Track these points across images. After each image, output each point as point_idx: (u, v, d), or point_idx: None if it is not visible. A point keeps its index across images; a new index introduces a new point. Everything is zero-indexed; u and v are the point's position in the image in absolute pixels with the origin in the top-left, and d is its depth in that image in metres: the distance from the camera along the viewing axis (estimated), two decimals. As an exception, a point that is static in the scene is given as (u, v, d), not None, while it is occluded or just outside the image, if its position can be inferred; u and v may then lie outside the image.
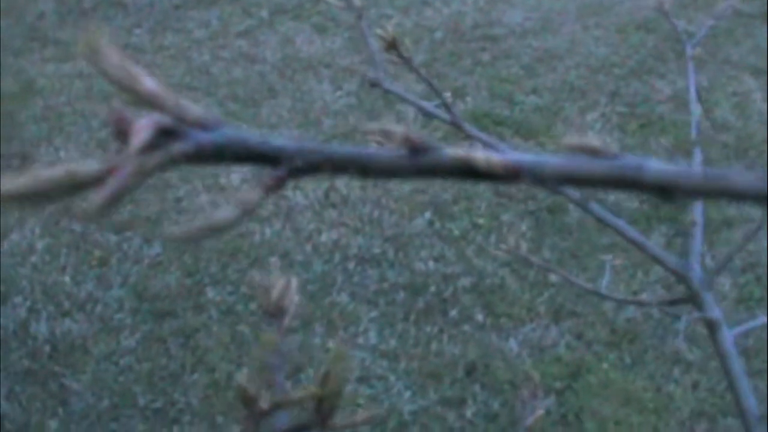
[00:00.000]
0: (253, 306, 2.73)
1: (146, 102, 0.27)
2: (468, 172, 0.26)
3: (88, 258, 2.94)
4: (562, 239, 2.99)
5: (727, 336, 1.06)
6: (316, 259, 2.93)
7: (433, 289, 2.81)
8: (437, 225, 3.06)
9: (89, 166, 0.26)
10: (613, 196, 3.06)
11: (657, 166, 0.25)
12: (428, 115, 1.17)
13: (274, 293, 0.57)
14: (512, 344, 2.63)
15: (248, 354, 2.60)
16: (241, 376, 0.42)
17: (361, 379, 2.54)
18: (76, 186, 0.26)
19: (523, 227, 3.04)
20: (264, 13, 4.44)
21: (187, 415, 2.44)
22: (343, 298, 2.78)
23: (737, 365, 1.04)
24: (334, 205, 3.15)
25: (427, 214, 3.10)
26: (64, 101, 3.75)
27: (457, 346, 2.63)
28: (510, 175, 0.25)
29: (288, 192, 3.17)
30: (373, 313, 2.73)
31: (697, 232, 1.16)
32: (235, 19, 4.39)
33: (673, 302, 1.26)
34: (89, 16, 4.42)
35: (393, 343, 2.64)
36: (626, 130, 3.54)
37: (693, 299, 1.10)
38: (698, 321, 1.09)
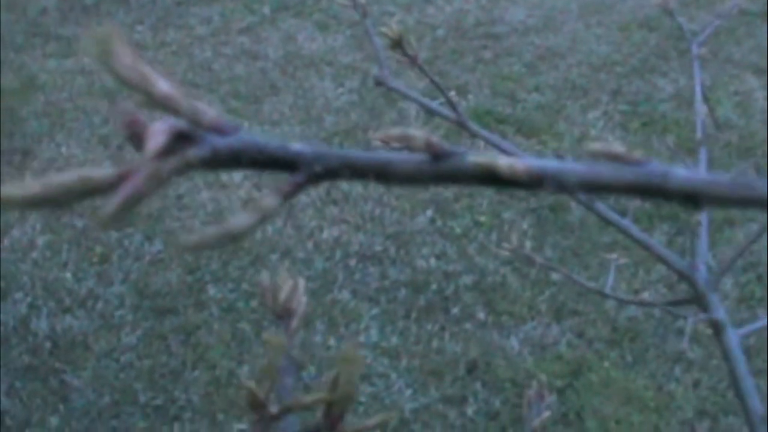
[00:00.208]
0: (254, 303, 2.73)
1: (160, 105, 0.26)
2: (490, 178, 0.25)
3: (89, 254, 2.94)
4: (564, 237, 2.98)
5: (733, 337, 1.05)
6: (318, 256, 2.92)
7: (434, 286, 2.81)
8: (439, 222, 3.06)
9: (103, 171, 0.25)
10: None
11: (683, 173, 0.25)
12: (433, 114, 1.16)
13: (282, 295, 0.56)
14: (513, 342, 2.63)
15: (249, 351, 2.59)
16: (250, 380, 0.41)
17: (362, 377, 2.53)
18: (89, 191, 0.25)
19: (525, 225, 3.03)
20: (266, 10, 4.43)
21: (187, 412, 2.44)
22: (345, 295, 2.78)
23: (742, 366, 1.04)
24: (335, 202, 3.15)
25: (429, 212, 3.09)
26: (65, 97, 3.75)
27: (459, 344, 2.62)
28: (533, 182, 0.25)
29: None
30: (375, 311, 2.73)
31: (703, 233, 1.16)
32: (237, 16, 4.38)
33: (677, 303, 1.26)
34: (91, 12, 4.42)
35: (394, 340, 2.64)
36: (628, 129, 3.53)
37: (698, 300, 1.09)
38: (702, 321, 1.09)
